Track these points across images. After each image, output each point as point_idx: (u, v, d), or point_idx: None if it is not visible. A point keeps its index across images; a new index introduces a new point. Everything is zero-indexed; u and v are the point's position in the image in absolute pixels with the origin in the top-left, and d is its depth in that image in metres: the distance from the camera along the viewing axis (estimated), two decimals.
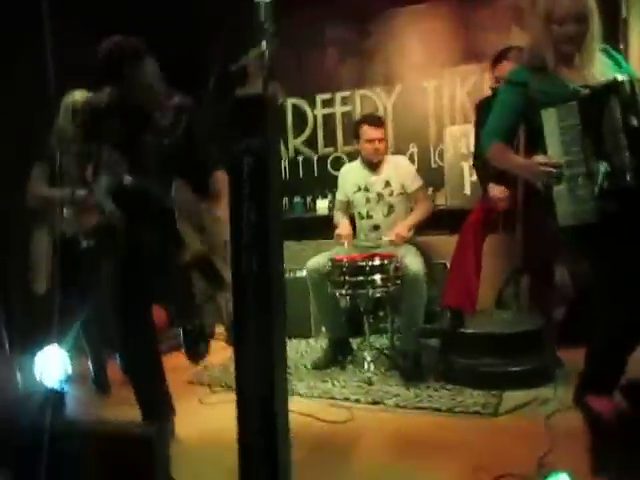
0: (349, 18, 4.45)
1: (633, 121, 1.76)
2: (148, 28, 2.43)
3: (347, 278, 2.87)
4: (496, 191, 2.93)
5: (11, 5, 3.04)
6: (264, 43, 1.50)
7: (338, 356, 3.20)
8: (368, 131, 3.28)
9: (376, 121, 3.37)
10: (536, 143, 1.98)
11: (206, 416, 2.56)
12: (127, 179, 2.11)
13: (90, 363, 3.11)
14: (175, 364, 3.32)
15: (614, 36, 3.36)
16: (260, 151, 1.59)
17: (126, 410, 2.57)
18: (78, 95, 2.88)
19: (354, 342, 3.35)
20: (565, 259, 3.05)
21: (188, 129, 2.21)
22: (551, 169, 1.87)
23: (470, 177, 4.03)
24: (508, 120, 2.07)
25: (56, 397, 2.55)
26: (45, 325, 2.93)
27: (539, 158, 1.92)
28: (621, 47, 3.53)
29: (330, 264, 2.98)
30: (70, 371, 2.86)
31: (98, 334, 3.11)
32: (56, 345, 2.80)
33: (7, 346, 2.70)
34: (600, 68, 1.95)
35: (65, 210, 2.85)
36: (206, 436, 2.31)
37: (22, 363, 2.80)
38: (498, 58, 3.06)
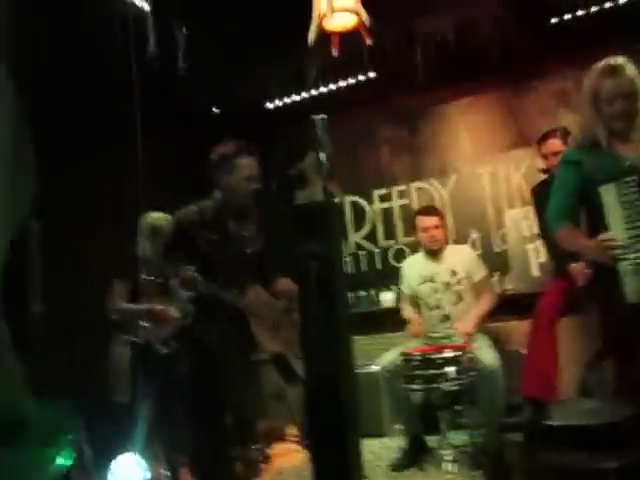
0: (398, 117, 4.68)
1: None
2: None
3: (419, 372, 2.80)
4: (578, 267, 2.85)
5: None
6: (321, 155, 1.62)
7: (415, 455, 3.06)
8: (423, 220, 3.34)
9: (429, 210, 3.46)
10: (597, 222, 1.96)
11: None
12: (207, 287, 2.23)
13: (164, 469, 3.12)
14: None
15: None
16: (323, 253, 1.67)
17: None
18: (155, 216, 3.16)
19: (432, 440, 3.20)
20: None
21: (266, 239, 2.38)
22: (615, 245, 1.84)
23: (536, 259, 3.96)
24: (569, 200, 2.08)
25: None
26: (121, 433, 3.03)
27: (603, 236, 1.90)
28: None
29: (401, 358, 2.93)
30: (149, 477, 2.89)
31: (172, 440, 3.14)
32: (132, 452, 2.85)
33: (87, 454, 2.77)
34: None
35: (143, 322, 3.02)
36: None
37: (99, 471, 2.86)
38: (543, 137, 3.15)
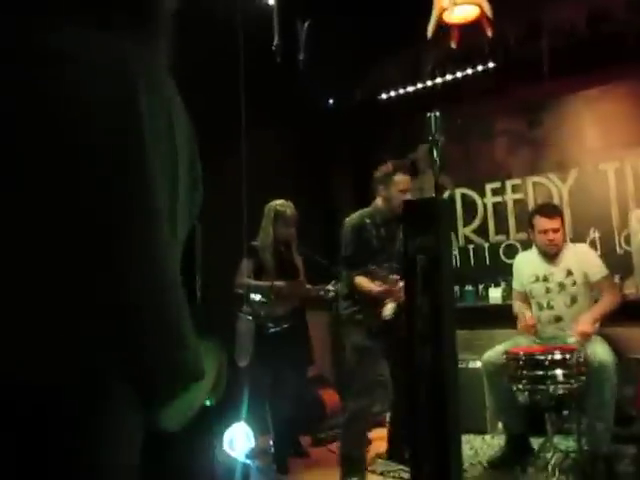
0: (518, 109, 4.51)
1: None
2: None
3: (524, 372, 2.75)
4: None
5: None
6: (434, 150, 1.66)
7: (517, 455, 3.01)
8: (542, 222, 3.19)
9: (550, 211, 3.28)
10: None
11: None
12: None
13: (272, 441, 3.33)
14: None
15: None
16: (431, 248, 1.72)
17: None
18: (279, 203, 3.40)
19: (536, 442, 3.12)
20: None
21: None
22: None
23: None
24: None
25: (242, 469, 2.80)
26: (235, 400, 3.29)
27: None
28: None
29: (505, 357, 2.89)
30: (254, 445, 3.12)
31: (283, 414, 3.36)
32: (243, 422, 3.09)
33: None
34: None
35: (261, 297, 3.27)
36: None
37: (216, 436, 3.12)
38: None
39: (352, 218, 3.09)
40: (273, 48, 3.41)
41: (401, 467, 3.01)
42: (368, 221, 3.01)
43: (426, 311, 1.68)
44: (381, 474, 2.90)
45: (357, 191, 4.76)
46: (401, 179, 2.94)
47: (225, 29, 3.16)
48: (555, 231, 3.17)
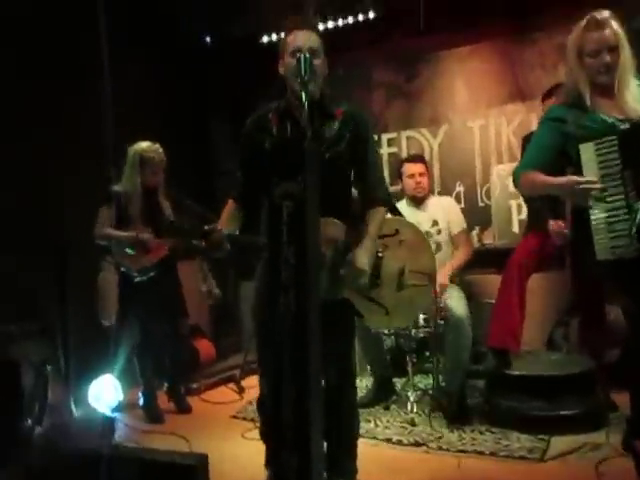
0: (396, 62, 4.57)
1: None
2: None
3: None
4: (556, 225, 2.88)
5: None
6: (303, 93, 1.59)
7: (382, 395, 3.19)
8: (409, 167, 3.36)
9: (416, 158, 3.47)
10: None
11: (247, 451, 2.58)
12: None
13: (141, 392, 3.25)
14: (220, 398, 3.42)
15: None
16: (299, 195, 1.69)
17: (172, 440, 2.67)
18: (145, 147, 3.14)
19: (398, 382, 3.33)
20: (617, 297, 2.95)
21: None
22: (590, 186, 1.85)
23: (518, 215, 4.00)
24: (542, 155, 2.05)
25: (108, 422, 2.69)
26: (100, 354, 3.14)
27: (576, 177, 1.91)
28: None
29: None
30: (122, 398, 3.01)
31: (152, 365, 3.27)
32: (110, 374, 2.97)
33: (63, 372, 2.88)
34: (636, 101, 1.94)
35: (125, 249, 3.07)
36: (244, 471, 2.34)
37: (77, 389, 2.97)
38: (548, 94, 3.10)
39: None
40: None
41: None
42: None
43: (291, 258, 1.66)
44: (252, 420, 2.92)
45: (235, 135, 4.61)
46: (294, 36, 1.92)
47: None
48: (421, 175, 3.33)
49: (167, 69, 4.35)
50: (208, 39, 4.77)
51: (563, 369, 2.79)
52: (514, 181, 2.13)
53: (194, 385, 3.59)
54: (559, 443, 2.47)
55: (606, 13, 1.94)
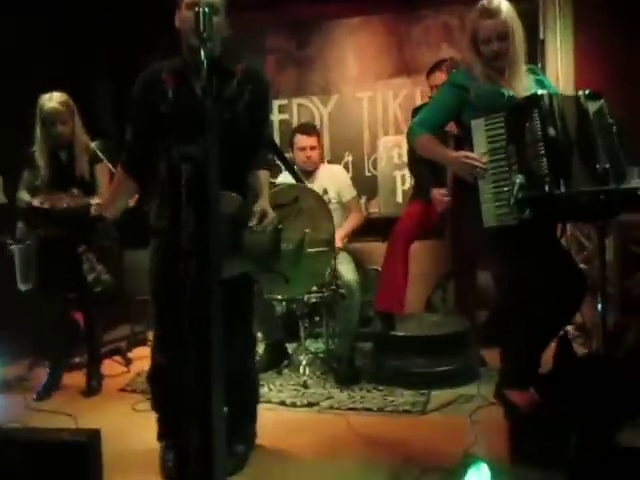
0: (288, 28, 4.52)
1: (551, 132, 1.92)
2: None
3: None
4: (438, 193, 3.04)
5: None
6: (202, 51, 1.51)
7: (275, 360, 3.24)
8: (300, 139, 3.34)
9: (308, 129, 3.43)
10: (466, 143, 2.10)
11: (138, 424, 2.51)
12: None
13: (48, 367, 3.09)
14: (108, 371, 3.27)
15: (533, 55, 3.60)
16: (198, 158, 1.63)
17: (56, 418, 2.52)
18: (45, 97, 2.85)
19: (290, 347, 3.40)
20: (488, 262, 3.23)
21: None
22: (477, 163, 1.99)
23: (402, 186, 4.19)
24: (441, 116, 2.16)
25: None
26: None
27: (468, 153, 2.04)
28: (539, 65, 3.82)
29: None
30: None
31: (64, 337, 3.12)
32: None
33: None
34: (526, 84, 2.11)
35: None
36: (137, 444, 2.28)
37: None
38: (433, 69, 3.24)
39: None
40: None
41: None
42: None
43: (191, 223, 1.61)
44: (142, 392, 2.84)
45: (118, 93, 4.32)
46: None
47: None
48: (312, 148, 3.34)
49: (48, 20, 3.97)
50: None
51: (441, 329, 3.02)
52: (408, 136, 2.23)
53: (76, 359, 3.39)
54: (438, 396, 2.68)
55: (497, 1, 2.06)
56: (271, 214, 1.90)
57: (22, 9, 3.71)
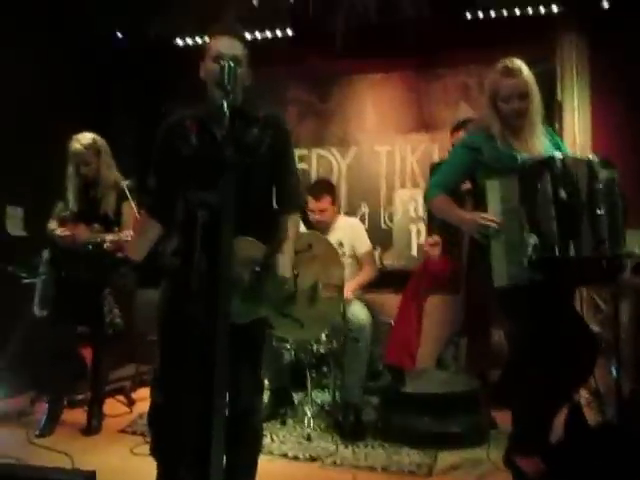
0: (310, 81, 4.66)
1: (562, 194, 1.93)
2: None
3: None
4: (429, 241, 3.05)
5: None
6: (225, 102, 1.56)
7: (279, 408, 3.18)
8: (310, 201, 3.31)
9: (319, 193, 3.36)
10: (480, 202, 2.11)
11: (135, 467, 2.46)
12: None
13: (48, 403, 3.06)
14: (110, 410, 3.23)
15: (551, 116, 3.66)
16: (214, 205, 1.66)
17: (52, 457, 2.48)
18: (73, 137, 3.04)
19: (296, 397, 3.34)
20: (501, 322, 3.19)
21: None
22: (489, 224, 2.00)
23: (417, 239, 4.20)
24: (456, 177, 2.22)
25: None
26: None
27: (482, 214, 2.05)
28: (556, 126, 3.86)
29: None
30: None
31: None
32: None
33: None
34: (543, 144, 2.14)
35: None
36: None
37: None
38: (457, 127, 3.30)
39: None
40: None
41: None
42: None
43: (204, 268, 1.62)
44: (141, 435, 2.79)
45: (141, 140, 4.44)
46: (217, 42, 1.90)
47: None
48: (322, 211, 3.32)
49: (75, 67, 4.17)
50: (120, 36, 4.59)
51: (451, 388, 2.94)
52: (425, 197, 2.25)
53: (79, 396, 3.36)
54: (445, 458, 2.59)
55: (518, 61, 2.11)
56: (290, 280, 1.89)
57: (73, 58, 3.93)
